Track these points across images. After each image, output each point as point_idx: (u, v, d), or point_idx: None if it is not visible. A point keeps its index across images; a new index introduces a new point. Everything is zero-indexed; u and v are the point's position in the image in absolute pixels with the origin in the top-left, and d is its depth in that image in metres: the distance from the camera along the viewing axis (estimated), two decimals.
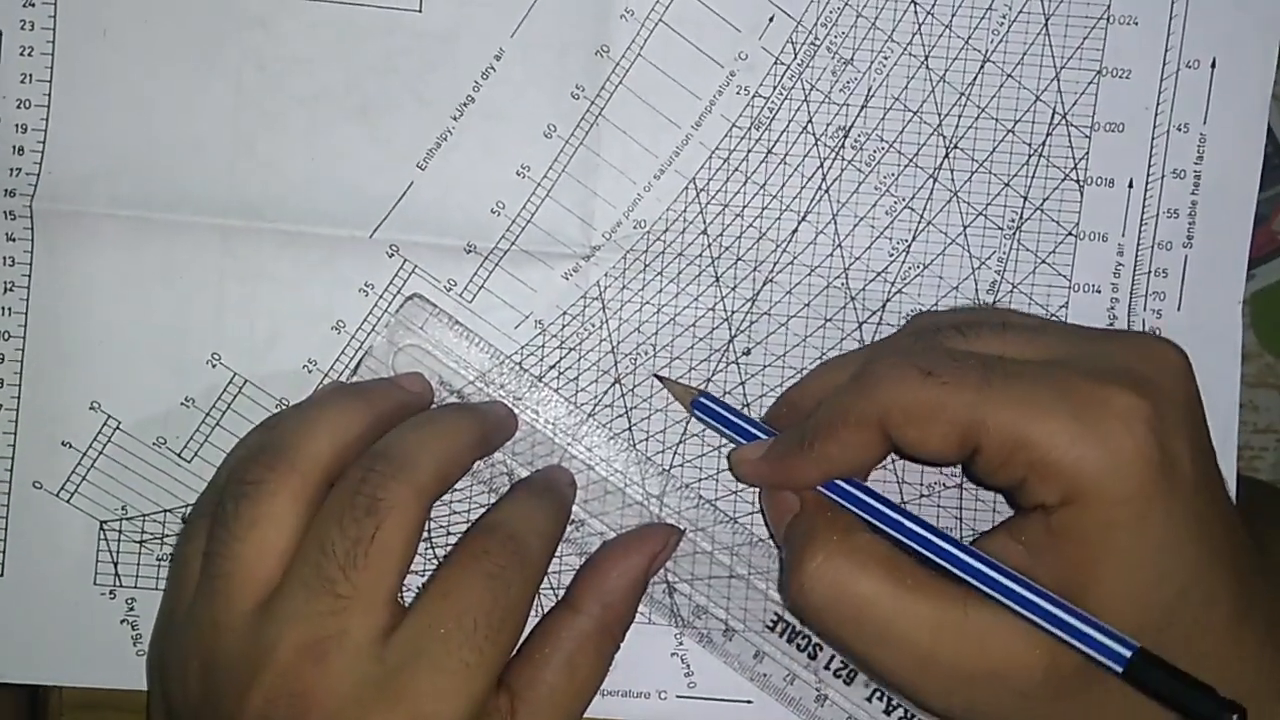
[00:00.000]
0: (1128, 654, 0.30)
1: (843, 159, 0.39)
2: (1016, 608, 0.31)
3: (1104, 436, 0.30)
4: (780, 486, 0.36)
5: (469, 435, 0.36)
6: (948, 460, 0.33)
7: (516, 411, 0.39)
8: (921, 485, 0.40)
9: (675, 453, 0.40)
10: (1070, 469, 0.30)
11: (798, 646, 0.39)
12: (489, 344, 0.39)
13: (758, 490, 0.40)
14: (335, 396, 0.35)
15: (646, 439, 0.40)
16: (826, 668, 0.39)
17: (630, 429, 0.40)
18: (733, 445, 0.38)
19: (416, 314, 0.39)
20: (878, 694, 0.39)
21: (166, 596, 0.37)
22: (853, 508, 0.34)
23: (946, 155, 0.39)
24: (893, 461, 0.39)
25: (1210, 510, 0.32)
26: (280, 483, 0.33)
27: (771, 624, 0.39)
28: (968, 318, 0.35)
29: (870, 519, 0.34)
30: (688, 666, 0.40)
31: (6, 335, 0.39)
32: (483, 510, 0.39)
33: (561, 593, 0.36)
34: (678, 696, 0.40)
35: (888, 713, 0.39)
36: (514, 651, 0.34)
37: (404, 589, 0.33)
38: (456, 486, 0.37)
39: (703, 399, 0.38)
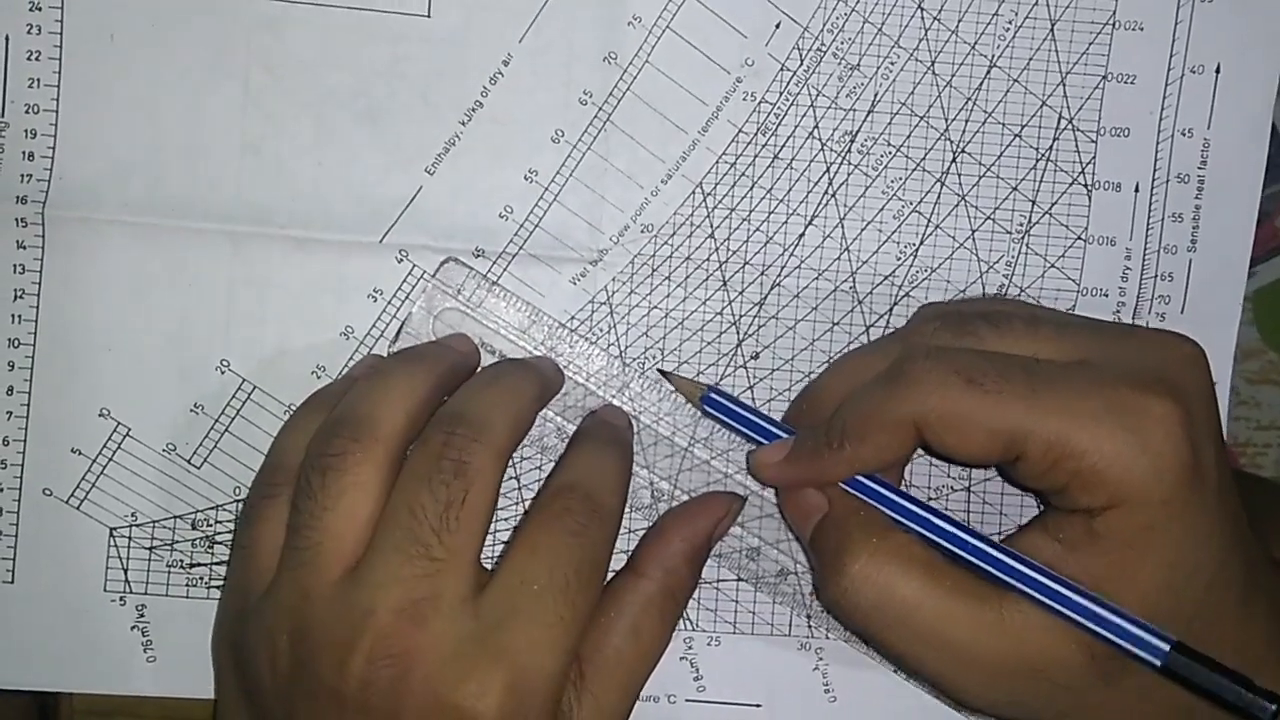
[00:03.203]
0: (1166, 648, 0.31)
1: (849, 163, 0.40)
2: (1059, 607, 0.32)
3: (1146, 444, 0.31)
4: (805, 486, 0.36)
5: (533, 390, 0.36)
6: (983, 464, 0.33)
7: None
8: (929, 489, 0.40)
9: (685, 455, 0.40)
10: (1117, 477, 0.31)
11: None
12: (525, 303, 0.39)
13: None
14: (399, 364, 0.36)
15: (655, 442, 0.40)
16: None
17: (639, 431, 0.40)
18: (742, 440, 0.38)
19: (454, 275, 0.39)
20: None
21: (235, 580, 0.36)
22: (885, 509, 0.34)
23: (954, 159, 0.40)
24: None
25: (1227, 500, 0.33)
26: (366, 453, 0.33)
27: None
28: (991, 307, 0.36)
29: (904, 520, 0.34)
30: (696, 670, 0.40)
31: (16, 342, 0.39)
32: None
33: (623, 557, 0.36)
34: (686, 700, 0.40)
35: None
36: None
37: None
38: None
39: (713, 394, 0.38)
